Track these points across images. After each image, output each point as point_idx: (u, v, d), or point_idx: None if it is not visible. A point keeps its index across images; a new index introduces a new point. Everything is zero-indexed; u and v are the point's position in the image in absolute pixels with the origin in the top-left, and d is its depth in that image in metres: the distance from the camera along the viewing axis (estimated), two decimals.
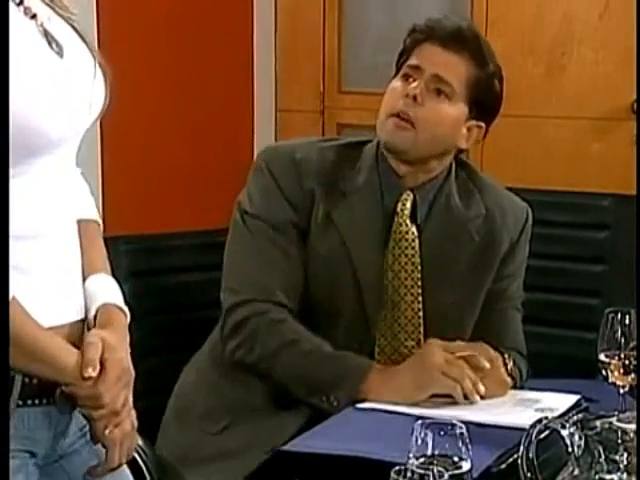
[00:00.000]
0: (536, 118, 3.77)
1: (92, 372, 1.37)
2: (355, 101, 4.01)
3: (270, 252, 1.99)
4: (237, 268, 2.02)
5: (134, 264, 2.20)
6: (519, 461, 1.35)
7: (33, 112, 1.31)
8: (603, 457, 1.32)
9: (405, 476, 1.17)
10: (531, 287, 2.17)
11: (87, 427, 1.45)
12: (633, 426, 1.32)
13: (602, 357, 1.71)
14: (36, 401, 1.40)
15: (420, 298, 2.02)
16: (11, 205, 1.30)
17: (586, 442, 1.32)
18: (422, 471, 1.17)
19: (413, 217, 2.03)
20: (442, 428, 1.26)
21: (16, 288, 1.31)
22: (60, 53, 1.38)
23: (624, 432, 1.32)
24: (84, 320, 1.47)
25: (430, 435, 1.25)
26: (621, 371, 1.69)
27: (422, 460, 1.24)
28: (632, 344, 1.69)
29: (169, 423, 2.04)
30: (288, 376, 1.93)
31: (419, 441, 1.25)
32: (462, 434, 1.26)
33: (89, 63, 1.43)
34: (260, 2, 4.04)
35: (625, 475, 1.31)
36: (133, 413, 1.47)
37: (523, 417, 1.69)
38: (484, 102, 2.04)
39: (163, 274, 2.28)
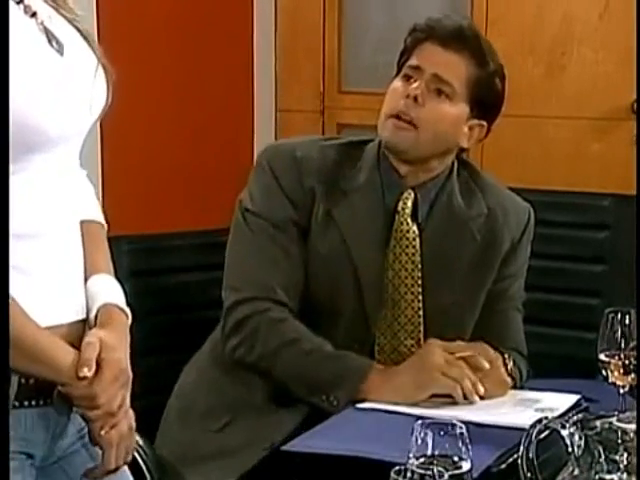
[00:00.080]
0: (536, 118, 3.76)
1: (87, 372, 1.35)
2: (355, 101, 4.01)
3: (271, 250, 1.99)
4: (238, 266, 2.02)
5: (134, 264, 2.20)
6: (519, 461, 1.35)
7: (32, 109, 1.30)
8: (603, 457, 1.32)
9: (405, 476, 1.17)
10: (531, 287, 2.17)
11: (86, 428, 1.43)
12: (633, 426, 1.32)
13: (602, 357, 1.70)
14: (33, 402, 1.37)
15: (420, 297, 2.02)
16: (10, 202, 1.29)
17: (586, 442, 1.32)
18: (422, 471, 1.18)
19: (414, 216, 2.03)
20: (442, 428, 1.26)
21: (14, 287, 1.30)
22: (60, 51, 1.38)
23: (624, 432, 1.32)
24: (85, 320, 1.46)
25: (430, 435, 1.25)
26: (621, 371, 1.69)
27: (422, 460, 1.24)
28: (632, 344, 1.69)
29: (170, 422, 2.04)
30: (288, 375, 1.93)
31: (419, 441, 1.25)
32: (462, 434, 1.26)
33: (90, 62, 1.43)
34: (260, 2, 4.04)
35: (625, 475, 1.31)
36: (131, 414, 1.45)
37: (523, 417, 1.69)
38: (485, 101, 2.04)
39: (163, 274, 2.28)
